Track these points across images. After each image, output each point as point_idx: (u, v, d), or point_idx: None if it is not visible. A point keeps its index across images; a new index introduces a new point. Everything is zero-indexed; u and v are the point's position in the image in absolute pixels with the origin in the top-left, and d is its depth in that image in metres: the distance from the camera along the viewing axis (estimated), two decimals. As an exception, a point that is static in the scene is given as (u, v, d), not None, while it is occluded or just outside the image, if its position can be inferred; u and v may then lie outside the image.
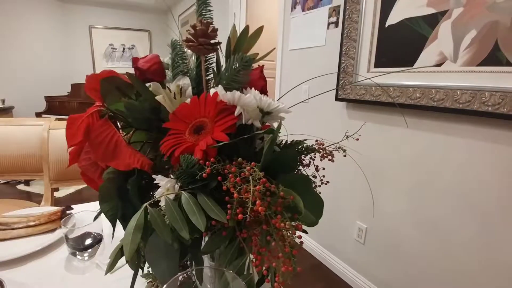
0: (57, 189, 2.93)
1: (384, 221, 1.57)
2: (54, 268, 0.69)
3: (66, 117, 0.47)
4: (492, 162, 1.11)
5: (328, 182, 0.50)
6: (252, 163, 0.36)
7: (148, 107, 0.45)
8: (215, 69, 0.50)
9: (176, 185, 0.39)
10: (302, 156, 0.49)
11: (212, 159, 0.37)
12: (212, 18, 0.47)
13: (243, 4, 2.93)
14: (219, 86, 0.42)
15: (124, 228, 0.39)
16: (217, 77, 0.49)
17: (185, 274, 0.40)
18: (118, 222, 0.45)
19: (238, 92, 0.40)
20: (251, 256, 0.38)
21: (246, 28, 0.49)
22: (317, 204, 0.40)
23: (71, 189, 3.19)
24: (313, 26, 1.90)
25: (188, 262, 0.47)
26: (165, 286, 0.36)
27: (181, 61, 0.49)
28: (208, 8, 0.48)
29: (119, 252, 0.41)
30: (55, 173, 1.48)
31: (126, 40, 5.44)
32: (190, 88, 0.47)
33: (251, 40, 0.50)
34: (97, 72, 0.44)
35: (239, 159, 0.38)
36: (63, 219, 0.65)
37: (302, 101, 1.97)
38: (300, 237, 0.34)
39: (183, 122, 0.43)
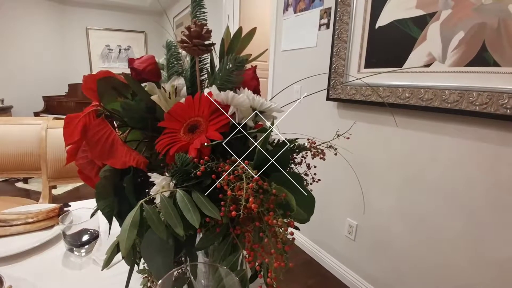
0: (55, 187, 2.93)
1: (374, 218, 1.59)
2: (52, 264, 0.69)
3: (64, 116, 0.47)
4: (479, 161, 1.13)
5: (319, 180, 0.50)
6: (245, 161, 0.37)
7: (143, 106, 0.46)
8: (209, 69, 0.51)
9: (171, 183, 0.39)
10: (294, 154, 0.50)
11: (206, 157, 0.37)
12: (206, 20, 0.48)
13: (236, 6, 2.94)
14: (213, 86, 0.43)
15: (120, 225, 0.39)
16: (211, 78, 0.49)
17: (180, 270, 0.41)
18: (114, 219, 0.45)
19: (232, 92, 0.41)
20: (244, 252, 0.38)
21: (239, 29, 0.50)
22: (309, 201, 0.40)
23: (69, 186, 3.18)
24: (305, 27, 1.92)
25: (183, 258, 0.48)
26: (160, 281, 0.36)
27: (176, 62, 0.50)
28: (202, 10, 0.48)
29: (115, 248, 0.41)
30: (53, 171, 1.48)
31: (122, 41, 5.42)
32: (184, 88, 0.47)
33: (244, 41, 0.51)
34: (94, 72, 0.44)
35: (233, 157, 0.39)
36: (61, 216, 0.65)
37: (294, 101, 1.98)
38: (292, 233, 0.35)
39: (178, 121, 0.43)
